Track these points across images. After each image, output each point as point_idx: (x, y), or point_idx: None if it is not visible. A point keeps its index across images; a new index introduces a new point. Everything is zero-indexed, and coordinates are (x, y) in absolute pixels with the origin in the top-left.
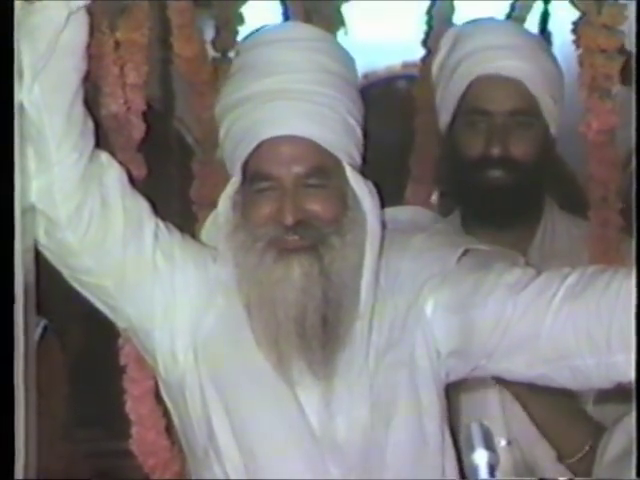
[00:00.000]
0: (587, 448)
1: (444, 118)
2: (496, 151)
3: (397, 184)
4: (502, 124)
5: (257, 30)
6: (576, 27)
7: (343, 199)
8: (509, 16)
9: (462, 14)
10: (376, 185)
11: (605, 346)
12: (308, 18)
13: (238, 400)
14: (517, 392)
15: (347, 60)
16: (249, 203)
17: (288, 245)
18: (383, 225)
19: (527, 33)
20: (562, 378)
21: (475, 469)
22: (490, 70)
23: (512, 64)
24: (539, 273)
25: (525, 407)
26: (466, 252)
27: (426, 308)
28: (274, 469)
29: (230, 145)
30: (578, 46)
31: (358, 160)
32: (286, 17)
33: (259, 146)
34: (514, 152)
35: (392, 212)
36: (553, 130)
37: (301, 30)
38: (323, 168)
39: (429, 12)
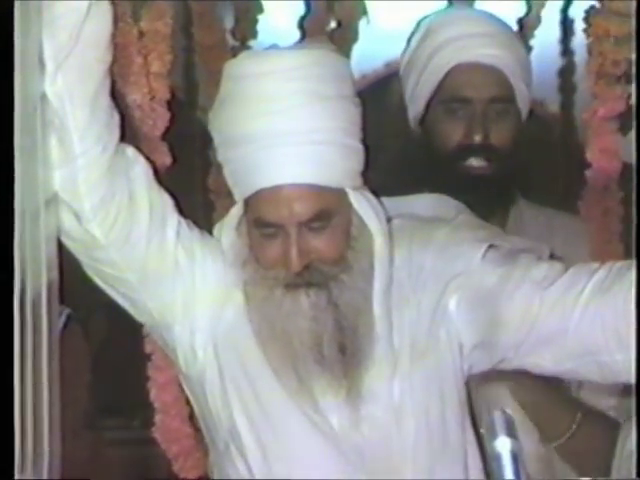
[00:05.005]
0: (574, 427)
1: (416, 109)
2: (478, 138)
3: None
4: (482, 111)
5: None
6: (588, 16)
7: (347, 230)
8: None
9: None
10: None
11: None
12: (329, 7)
13: (258, 396)
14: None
15: (341, 69)
16: (256, 243)
17: (296, 281)
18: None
19: (500, 22)
20: (590, 373)
21: (498, 457)
22: (469, 58)
23: (490, 52)
24: (566, 268)
25: (512, 392)
26: (490, 245)
27: (450, 305)
28: (296, 468)
29: (230, 180)
30: (588, 35)
31: (360, 170)
32: (308, 6)
33: (260, 190)
34: (494, 140)
35: (415, 200)
36: (524, 117)
37: (291, 59)
38: (326, 209)
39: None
